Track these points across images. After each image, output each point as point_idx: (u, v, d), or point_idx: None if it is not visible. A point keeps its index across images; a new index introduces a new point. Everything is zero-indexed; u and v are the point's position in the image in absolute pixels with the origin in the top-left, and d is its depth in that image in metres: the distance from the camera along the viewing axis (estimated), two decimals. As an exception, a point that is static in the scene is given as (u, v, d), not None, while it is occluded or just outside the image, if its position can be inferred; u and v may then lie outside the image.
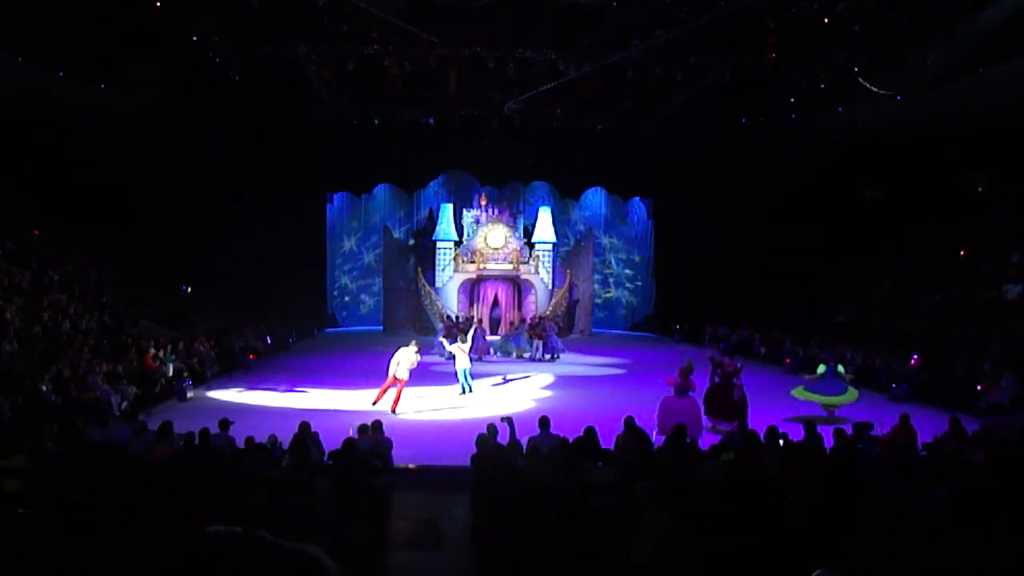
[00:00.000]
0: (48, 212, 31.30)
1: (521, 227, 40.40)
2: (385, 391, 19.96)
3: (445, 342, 27.63)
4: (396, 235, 42.14)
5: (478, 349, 28.64)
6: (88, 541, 8.21)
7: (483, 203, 40.05)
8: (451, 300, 38.77)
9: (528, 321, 34.05)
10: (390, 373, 19.86)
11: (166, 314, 30.79)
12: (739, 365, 18.98)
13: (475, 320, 33.08)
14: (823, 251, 35.81)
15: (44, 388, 18.27)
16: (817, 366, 19.99)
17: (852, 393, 19.17)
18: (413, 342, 20.68)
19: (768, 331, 33.04)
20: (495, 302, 39.90)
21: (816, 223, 36.16)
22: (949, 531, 9.21)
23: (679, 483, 11.08)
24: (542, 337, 30.81)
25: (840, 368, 19.63)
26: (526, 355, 31.02)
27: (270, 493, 10.79)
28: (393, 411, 19.21)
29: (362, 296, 43.64)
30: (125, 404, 19.53)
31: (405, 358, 19.75)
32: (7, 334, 21.36)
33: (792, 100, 33.44)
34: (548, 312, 37.52)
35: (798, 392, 19.38)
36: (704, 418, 17.61)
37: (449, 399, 22.16)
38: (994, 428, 13.79)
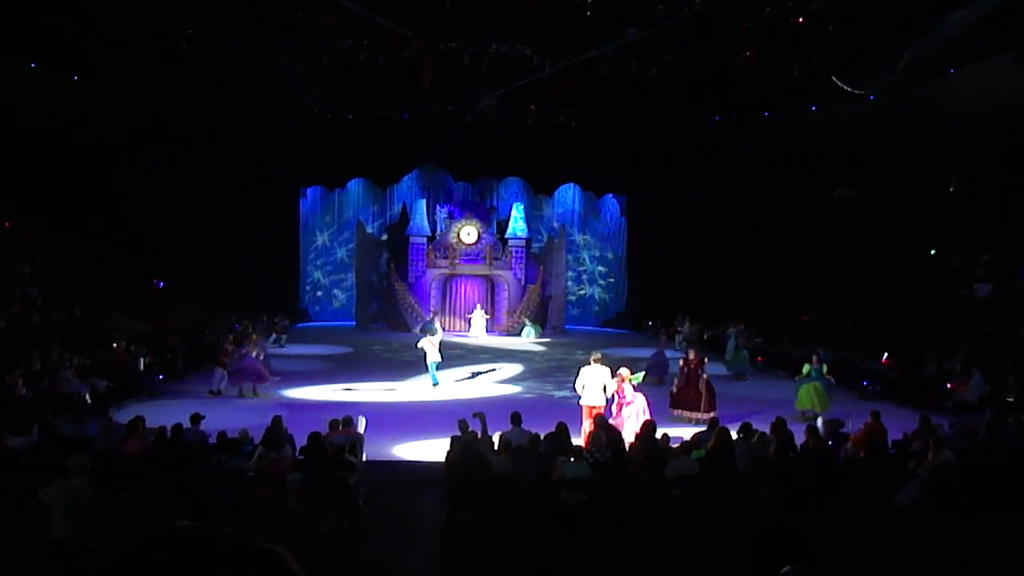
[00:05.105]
0: (19, 204, 30.95)
1: (494, 223, 40.37)
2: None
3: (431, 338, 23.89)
4: (369, 230, 41.86)
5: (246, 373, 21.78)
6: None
7: (458, 202, 40.39)
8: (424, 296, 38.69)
9: None
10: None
11: (138, 308, 30.57)
12: (703, 358, 19.31)
13: None
14: (795, 249, 35.93)
15: (14, 382, 18.09)
16: (802, 366, 19.93)
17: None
18: (595, 354, 16.39)
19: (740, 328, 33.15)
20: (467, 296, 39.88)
21: (789, 221, 36.33)
22: (917, 526, 9.32)
23: (650, 479, 11.16)
24: None
25: (824, 369, 19.55)
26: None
27: (242, 488, 10.76)
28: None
29: (334, 291, 43.35)
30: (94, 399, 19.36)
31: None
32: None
33: (766, 99, 33.58)
34: (520, 308, 37.63)
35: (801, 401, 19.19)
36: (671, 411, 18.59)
37: (420, 393, 22.28)
38: (963, 426, 13.93)
